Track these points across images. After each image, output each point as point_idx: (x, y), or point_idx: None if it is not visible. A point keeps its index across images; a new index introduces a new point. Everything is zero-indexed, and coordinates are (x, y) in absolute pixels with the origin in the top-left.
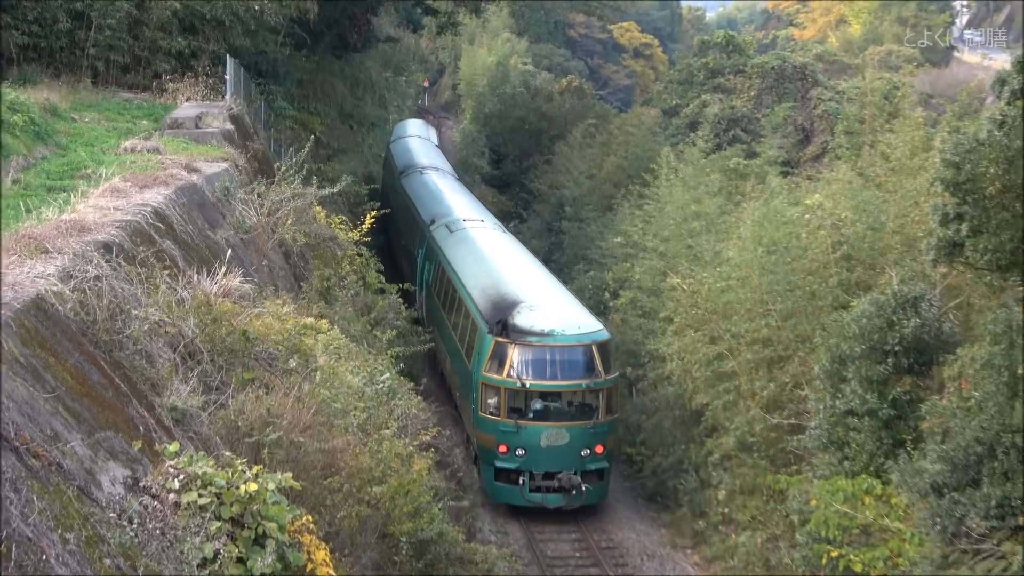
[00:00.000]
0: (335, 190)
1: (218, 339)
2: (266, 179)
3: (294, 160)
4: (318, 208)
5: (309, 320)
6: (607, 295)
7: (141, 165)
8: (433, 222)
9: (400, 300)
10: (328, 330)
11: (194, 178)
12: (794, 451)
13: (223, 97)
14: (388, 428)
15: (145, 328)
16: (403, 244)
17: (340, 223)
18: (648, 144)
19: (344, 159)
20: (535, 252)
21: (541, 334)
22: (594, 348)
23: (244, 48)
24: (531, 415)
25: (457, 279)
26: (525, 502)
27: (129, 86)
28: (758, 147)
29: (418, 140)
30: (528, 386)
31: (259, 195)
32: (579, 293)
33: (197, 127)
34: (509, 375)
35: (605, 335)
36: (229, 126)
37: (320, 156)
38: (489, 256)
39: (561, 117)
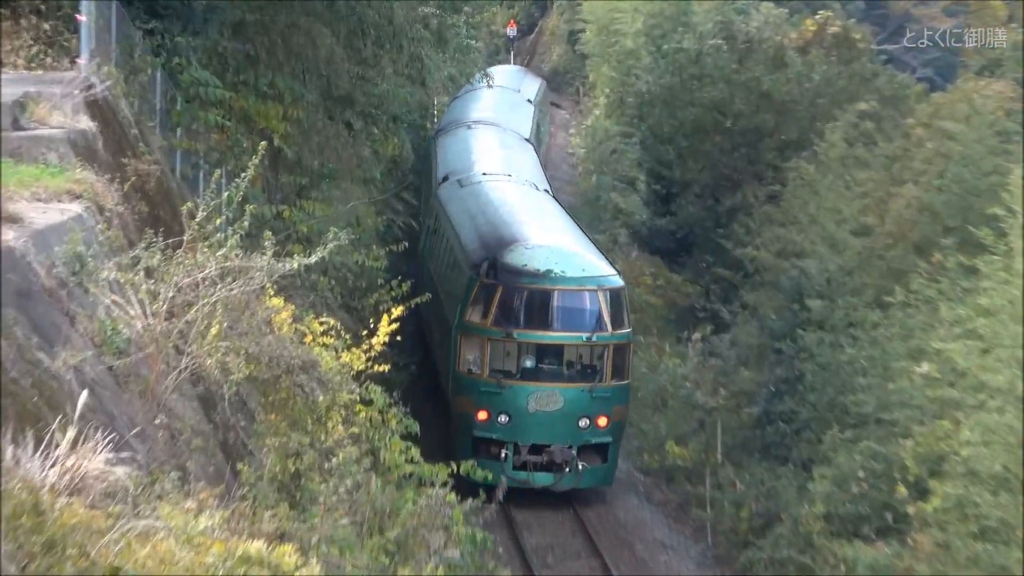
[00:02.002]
0: (312, 261)
1: None
2: (165, 238)
3: (225, 196)
4: (276, 301)
5: (255, 547)
6: (902, 489)
7: None
8: (445, 179)
9: (453, 495)
10: (297, 569)
11: (9, 237)
12: None
13: (74, 61)
14: None
15: None
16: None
17: (326, 332)
18: (989, 158)
19: (333, 194)
20: (746, 391)
21: (535, 275)
22: (601, 295)
23: None
24: (519, 374)
25: (452, 230)
26: (508, 482)
27: None
28: None
29: (495, 92)
30: (516, 336)
31: (149, 273)
32: (840, 485)
33: (17, 126)
34: (494, 324)
35: (617, 281)
36: (86, 124)
37: (283, 188)
38: (498, 204)
39: (804, 102)
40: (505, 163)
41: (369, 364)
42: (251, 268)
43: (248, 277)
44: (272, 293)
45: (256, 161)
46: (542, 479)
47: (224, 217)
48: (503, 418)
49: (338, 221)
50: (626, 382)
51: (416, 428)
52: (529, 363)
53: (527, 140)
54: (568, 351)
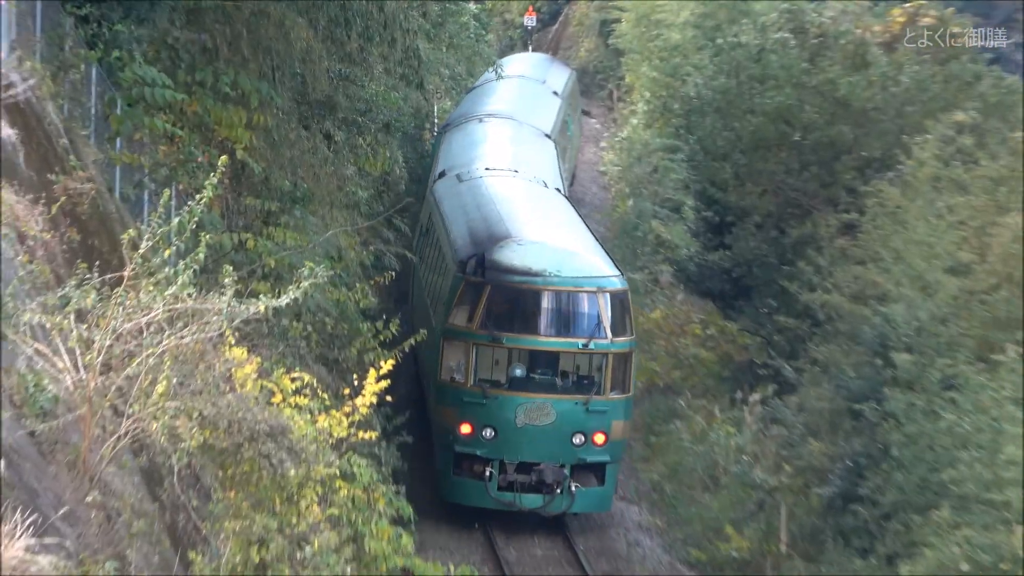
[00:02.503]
0: (282, 303)
1: None
2: (101, 274)
3: (175, 223)
4: (238, 351)
5: None
6: None
7: None
8: (443, 175)
9: None
10: None
11: None
12: None
13: None
14: None
15: None
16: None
17: (299, 390)
18: None
19: (308, 220)
20: (816, 466)
21: (527, 273)
22: (601, 297)
23: None
24: (507, 383)
25: (443, 226)
26: (492, 503)
27: None
28: None
29: (516, 82)
30: (504, 342)
31: (81, 317)
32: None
33: None
34: (481, 327)
35: (619, 283)
36: (5, 132)
37: (247, 213)
38: (496, 200)
39: (889, 110)
40: (514, 158)
41: (352, 430)
42: (207, 311)
43: (203, 322)
44: (233, 342)
45: (214, 179)
46: (530, 501)
47: (174, 248)
48: (488, 432)
49: (314, 254)
50: (628, 396)
51: (410, 512)
52: (519, 372)
53: (547, 136)
54: (563, 359)
